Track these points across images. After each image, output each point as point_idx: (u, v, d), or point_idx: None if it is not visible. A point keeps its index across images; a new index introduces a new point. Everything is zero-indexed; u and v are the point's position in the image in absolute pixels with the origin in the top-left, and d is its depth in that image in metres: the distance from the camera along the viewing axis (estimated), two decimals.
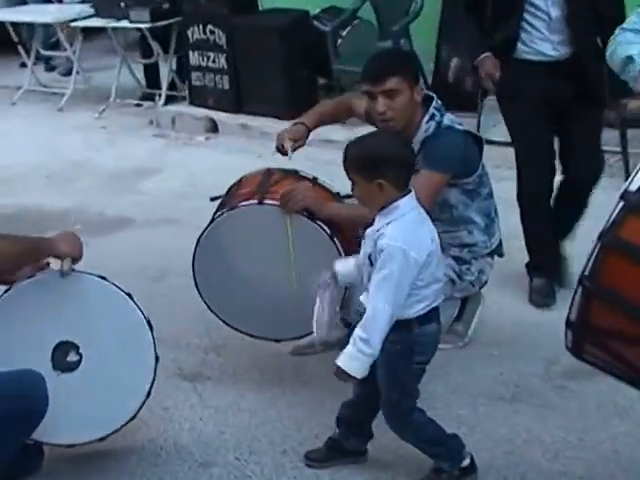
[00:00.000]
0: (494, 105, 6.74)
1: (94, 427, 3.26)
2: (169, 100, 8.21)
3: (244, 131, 7.47)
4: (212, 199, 3.91)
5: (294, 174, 3.74)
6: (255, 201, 3.50)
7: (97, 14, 8.27)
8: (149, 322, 3.26)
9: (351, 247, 3.35)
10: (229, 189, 3.85)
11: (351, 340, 2.84)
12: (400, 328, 2.90)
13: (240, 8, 7.50)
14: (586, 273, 2.33)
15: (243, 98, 7.61)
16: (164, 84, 8.19)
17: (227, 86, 7.63)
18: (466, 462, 3.15)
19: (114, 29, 8.25)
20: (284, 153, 3.82)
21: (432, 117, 3.54)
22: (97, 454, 3.39)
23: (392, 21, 7.13)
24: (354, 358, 2.83)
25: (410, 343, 2.95)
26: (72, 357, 3.21)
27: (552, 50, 4.17)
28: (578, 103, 4.17)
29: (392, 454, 3.33)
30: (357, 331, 2.84)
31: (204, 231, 3.62)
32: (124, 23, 7.97)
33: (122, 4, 7.84)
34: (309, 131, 3.87)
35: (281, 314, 3.59)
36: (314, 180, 3.72)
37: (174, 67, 8.23)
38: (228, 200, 3.69)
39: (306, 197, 3.43)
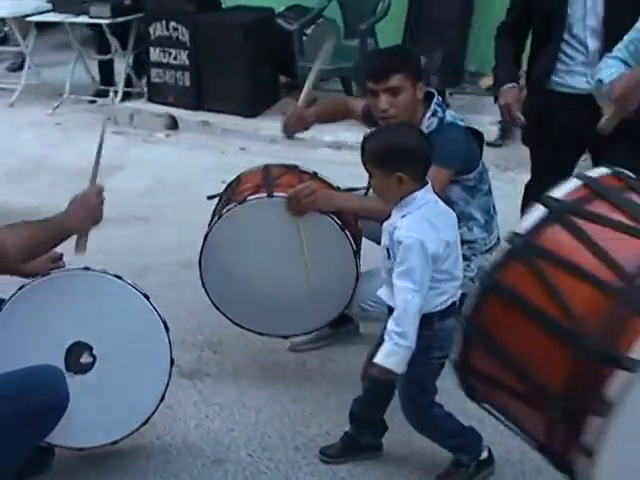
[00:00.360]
0: (462, 104, 6.88)
1: (107, 430, 3.19)
2: (124, 97, 8.08)
3: (205, 128, 7.40)
4: (209, 197, 3.87)
5: (294, 169, 3.71)
6: (264, 194, 3.46)
7: (54, 9, 8.10)
8: (165, 323, 3.19)
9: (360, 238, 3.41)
10: (227, 186, 3.81)
11: (386, 336, 2.81)
12: (421, 323, 2.89)
13: (204, 5, 7.45)
14: (466, 314, 2.22)
15: (204, 95, 7.54)
16: (121, 80, 8.06)
17: (188, 83, 7.55)
18: (484, 455, 3.17)
19: (70, 24, 8.08)
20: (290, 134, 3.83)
21: (434, 113, 3.54)
22: (107, 453, 3.32)
23: (358, 20, 7.16)
24: (393, 353, 2.79)
25: (429, 338, 2.93)
26: (86, 358, 3.12)
27: (586, 83, 3.92)
28: (616, 137, 3.70)
29: (408, 448, 3.34)
30: (390, 326, 2.81)
31: (211, 226, 3.56)
32: (83, 18, 7.83)
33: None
34: (314, 122, 3.84)
35: (292, 308, 3.57)
36: (314, 175, 3.70)
37: (131, 63, 8.10)
38: (232, 196, 3.64)
39: (316, 199, 3.41)
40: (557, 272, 2.10)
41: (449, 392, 3.57)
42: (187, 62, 7.50)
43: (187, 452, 3.39)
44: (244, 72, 7.27)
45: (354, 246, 3.38)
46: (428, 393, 3.06)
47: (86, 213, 3.10)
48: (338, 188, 3.64)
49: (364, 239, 3.73)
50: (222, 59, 7.29)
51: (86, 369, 3.11)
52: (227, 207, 3.52)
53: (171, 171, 6.60)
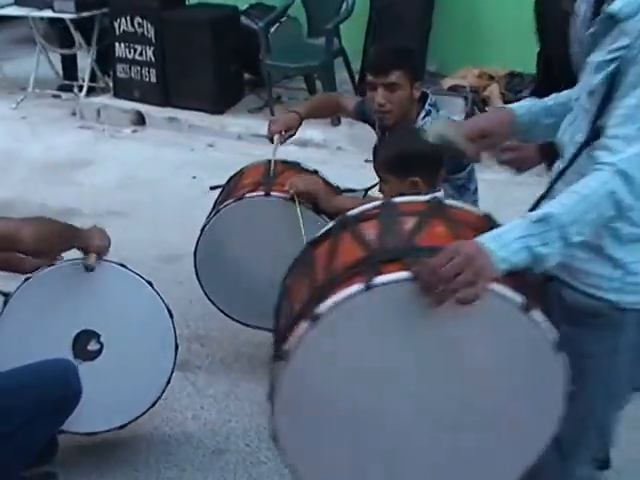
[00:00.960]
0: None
1: (115, 415, 3.22)
2: (89, 92, 8.02)
3: (172, 124, 7.38)
4: (212, 188, 3.89)
5: (296, 166, 3.74)
6: (262, 192, 3.49)
7: (17, 2, 8.01)
8: (169, 310, 3.22)
9: None
10: (229, 180, 3.83)
11: None
12: None
13: (169, 1, 7.41)
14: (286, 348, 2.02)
15: (170, 91, 7.51)
16: (86, 75, 8.00)
17: (154, 79, 7.51)
18: None
19: (33, 19, 7.99)
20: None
21: (428, 113, 3.60)
22: (108, 444, 3.35)
23: (322, 19, 7.20)
24: None
25: None
26: (93, 346, 3.15)
27: None
28: None
29: None
30: None
31: (208, 221, 3.59)
32: (47, 13, 7.76)
33: None
34: (301, 120, 3.86)
35: None
36: (315, 173, 3.74)
37: (94, 58, 8.04)
38: (231, 191, 3.67)
39: (316, 183, 3.45)
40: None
41: None
42: (153, 58, 7.47)
43: (187, 443, 3.42)
44: (210, 69, 7.26)
45: None
46: None
47: (102, 234, 3.16)
48: (337, 188, 3.68)
49: None
50: (188, 56, 7.27)
51: (94, 356, 3.15)
52: (225, 202, 3.54)
53: (141, 167, 6.59)
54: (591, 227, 1.94)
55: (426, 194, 2.38)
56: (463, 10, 7.33)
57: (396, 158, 2.91)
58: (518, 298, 1.92)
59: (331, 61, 7.05)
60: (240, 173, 3.80)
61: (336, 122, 6.93)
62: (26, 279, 3.09)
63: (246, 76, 7.81)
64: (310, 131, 6.54)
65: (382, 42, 6.67)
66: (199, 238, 3.61)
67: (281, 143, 3.77)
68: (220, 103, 7.40)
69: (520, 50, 6.57)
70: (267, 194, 3.48)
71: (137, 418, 3.25)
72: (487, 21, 7.26)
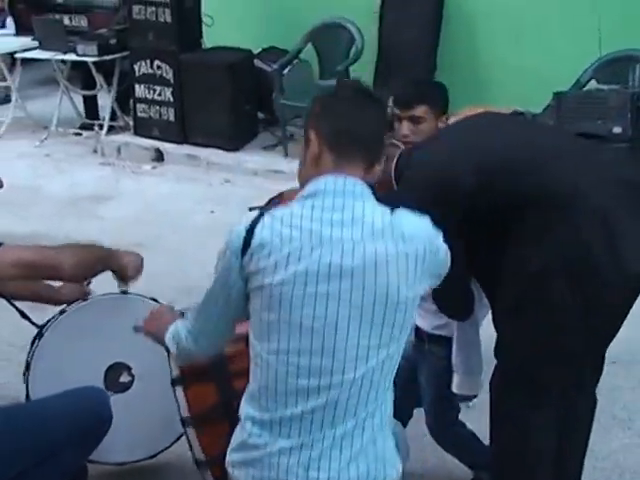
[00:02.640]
0: None
1: (145, 445, 3.15)
2: (109, 130, 8.00)
3: (190, 160, 7.34)
4: (251, 209, 3.78)
5: None
6: None
7: (41, 46, 7.99)
8: None
9: None
10: (269, 201, 3.74)
11: (454, 367, 2.83)
12: (446, 344, 2.88)
13: (186, 45, 7.39)
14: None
15: (187, 129, 7.49)
16: (107, 114, 7.97)
17: (172, 118, 7.50)
18: None
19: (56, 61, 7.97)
20: None
21: None
22: (137, 473, 3.26)
23: (332, 62, 7.20)
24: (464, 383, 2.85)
25: None
26: (124, 378, 3.10)
27: None
28: None
29: (421, 464, 3.30)
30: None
31: None
32: (70, 56, 7.74)
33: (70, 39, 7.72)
34: None
35: None
36: None
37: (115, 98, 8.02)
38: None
39: None
40: None
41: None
42: (171, 98, 7.45)
43: None
44: (225, 108, 7.24)
45: None
46: (453, 410, 3.05)
47: (133, 262, 3.12)
48: None
49: None
50: (204, 96, 7.25)
51: (125, 388, 3.09)
52: None
53: (161, 201, 6.53)
54: None
55: None
56: (466, 50, 7.29)
57: None
58: None
59: None
60: (280, 196, 3.71)
61: None
62: (61, 312, 3.04)
63: (260, 115, 7.78)
64: (286, 164, 6.65)
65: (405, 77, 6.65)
66: None
67: None
68: (236, 140, 7.37)
69: (522, 89, 6.54)
70: None
71: (167, 448, 3.17)
72: (490, 61, 7.22)
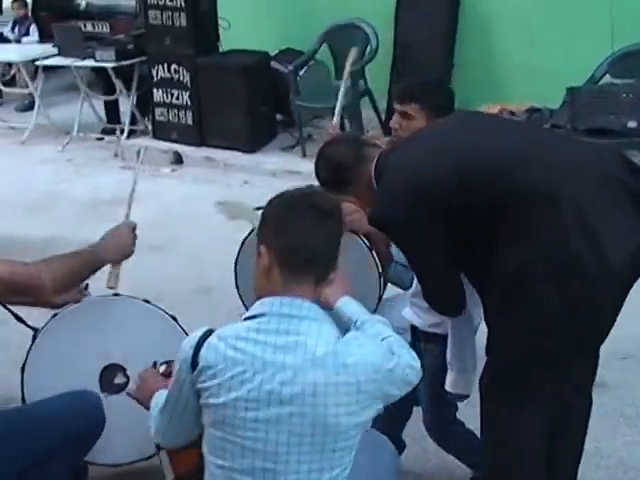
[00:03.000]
0: None
1: (141, 446, 3.07)
2: (130, 134, 8.04)
3: (208, 163, 7.35)
4: (257, 209, 3.76)
5: None
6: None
7: (60, 53, 8.06)
8: None
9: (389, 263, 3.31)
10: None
11: (448, 365, 2.80)
12: (441, 342, 2.84)
13: (202, 49, 7.40)
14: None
15: (205, 132, 7.50)
16: (126, 119, 8.01)
17: (190, 121, 7.52)
18: None
19: (76, 67, 8.02)
20: None
21: None
22: (134, 474, 3.23)
23: None
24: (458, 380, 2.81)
25: None
26: (119, 379, 3.07)
27: None
28: None
29: (423, 465, 3.27)
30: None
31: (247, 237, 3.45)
32: (89, 62, 7.80)
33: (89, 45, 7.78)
34: None
35: None
36: None
37: (134, 103, 8.05)
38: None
39: (353, 220, 3.32)
40: None
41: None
42: (189, 102, 7.47)
43: None
44: (243, 111, 7.24)
45: (379, 268, 3.30)
46: (450, 408, 3.01)
47: (119, 245, 3.04)
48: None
49: None
50: (222, 99, 7.25)
51: (120, 389, 3.05)
52: None
53: (180, 204, 6.54)
54: None
55: None
56: (482, 49, 7.25)
57: None
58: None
59: (358, 101, 6.98)
60: None
61: None
62: (54, 315, 3.02)
63: (278, 116, 7.77)
64: (305, 165, 6.54)
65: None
66: (239, 250, 3.46)
67: None
68: (253, 142, 7.37)
69: (538, 86, 6.48)
70: None
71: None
72: (505, 59, 7.17)
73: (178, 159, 7.53)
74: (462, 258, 2.59)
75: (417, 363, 2.29)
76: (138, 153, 3.50)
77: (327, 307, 2.45)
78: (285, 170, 6.93)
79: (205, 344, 2.17)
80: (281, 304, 2.16)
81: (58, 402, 2.81)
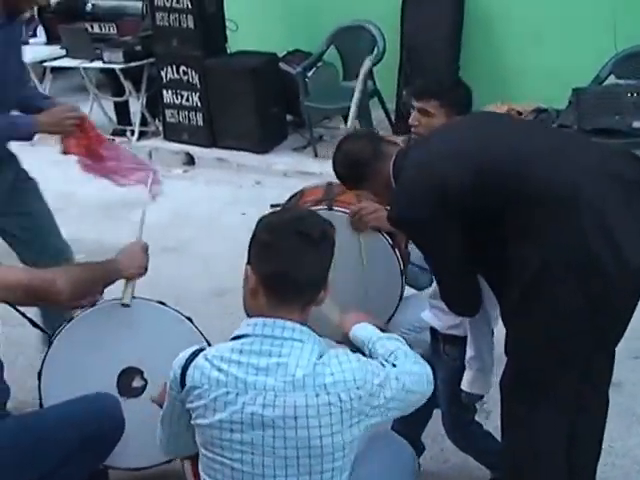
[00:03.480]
0: None
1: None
2: (140, 135, 8.04)
3: (220, 164, 7.35)
4: (272, 206, 3.78)
5: None
6: (325, 207, 3.36)
7: (68, 54, 8.08)
8: (210, 344, 3.09)
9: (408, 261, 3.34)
10: (290, 198, 3.72)
11: (466, 364, 2.80)
12: (460, 344, 2.84)
13: (211, 50, 7.39)
14: None
15: (216, 133, 7.50)
16: (137, 121, 8.00)
17: (201, 122, 7.51)
18: None
19: (84, 69, 8.02)
20: None
21: None
22: (155, 478, 3.23)
23: (356, 64, 7.12)
24: (474, 379, 2.80)
25: None
26: (137, 383, 3.07)
27: None
28: None
29: (441, 465, 3.27)
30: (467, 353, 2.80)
31: None
32: (97, 63, 7.80)
33: (96, 46, 7.77)
34: None
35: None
36: None
37: (144, 104, 8.04)
38: (294, 207, 3.56)
39: (376, 218, 3.31)
40: None
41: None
42: (199, 103, 7.47)
43: None
44: (252, 111, 7.23)
45: (402, 266, 3.30)
46: (469, 410, 3.01)
47: (133, 261, 3.08)
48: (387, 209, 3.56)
49: None
50: (231, 100, 7.25)
51: (138, 393, 3.06)
52: None
53: (193, 205, 6.54)
54: None
55: None
56: (488, 50, 7.26)
57: None
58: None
59: (367, 102, 6.97)
60: (300, 193, 3.70)
61: None
62: (69, 320, 3.03)
63: (289, 117, 7.76)
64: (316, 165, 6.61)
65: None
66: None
67: None
68: (265, 143, 7.36)
69: (545, 87, 6.48)
70: (330, 208, 3.34)
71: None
72: (511, 60, 7.18)
73: (190, 160, 7.54)
74: (475, 258, 2.59)
75: (422, 369, 2.31)
76: (147, 179, 3.49)
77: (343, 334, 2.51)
78: (297, 170, 6.93)
79: (192, 364, 2.20)
80: (264, 325, 2.18)
81: (74, 406, 2.81)
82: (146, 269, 3.10)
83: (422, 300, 3.11)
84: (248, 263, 2.25)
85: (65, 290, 2.71)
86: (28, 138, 3.68)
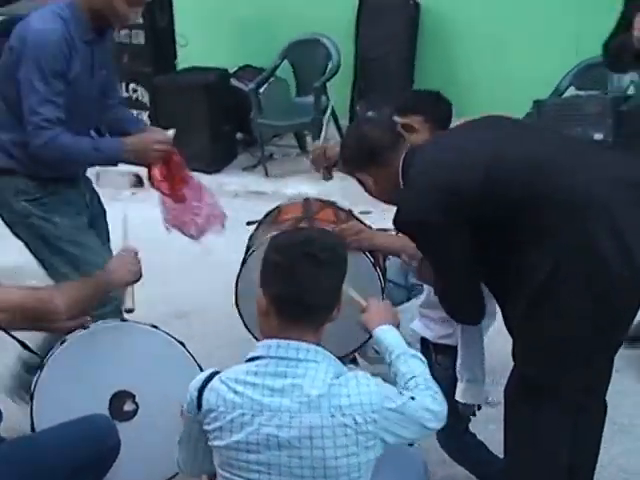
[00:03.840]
0: None
1: (154, 472, 3.06)
2: None
3: None
4: (248, 223, 3.75)
5: (332, 205, 3.64)
6: (304, 225, 3.35)
7: None
8: (201, 368, 3.04)
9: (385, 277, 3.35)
10: (266, 215, 3.68)
11: (458, 375, 2.81)
12: (452, 354, 2.85)
13: (160, 67, 7.32)
14: None
15: None
16: None
17: None
18: None
19: None
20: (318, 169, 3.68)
21: None
22: None
23: (309, 79, 7.16)
24: (466, 390, 2.82)
25: None
26: (129, 406, 3.02)
27: None
28: None
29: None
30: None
31: (248, 255, 3.44)
32: None
33: None
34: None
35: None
36: (350, 212, 3.64)
37: None
38: (271, 225, 3.53)
39: (359, 240, 3.29)
40: None
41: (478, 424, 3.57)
42: (148, 122, 7.35)
43: None
44: (204, 130, 7.15)
45: (383, 284, 3.29)
46: (463, 420, 3.00)
47: (126, 269, 3.06)
48: (370, 227, 3.54)
49: None
50: (182, 118, 7.07)
51: (130, 416, 3.02)
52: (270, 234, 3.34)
53: (144, 227, 6.35)
54: None
55: None
56: (443, 61, 7.31)
57: None
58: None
59: (321, 118, 6.96)
60: (277, 210, 3.66)
61: (328, 177, 6.83)
62: (61, 342, 2.96)
63: (239, 135, 7.69)
64: (304, 186, 6.49)
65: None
66: (240, 272, 3.44)
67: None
68: (215, 162, 7.28)
69: (502, 97, 6.54)
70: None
71: (177, 474, 3.07)
72: (467, 71, 7.23)
73: (138, 182, 7.40)
74: (479, 263, 2.60)
75: (439, 407, 2.30)
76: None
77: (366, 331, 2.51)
78: (248, 191, 6.88)
79: (208, 387, 2.22)
80: (278, 346, 2.21)
81: (67, 429, 2.75)
82: (141, 273, 3.10)
83: (408, 314, 3.11)
84: (260, 285, 2.25)
85: (63, 308, 2.67)
86: (112, 165, 3.62)
